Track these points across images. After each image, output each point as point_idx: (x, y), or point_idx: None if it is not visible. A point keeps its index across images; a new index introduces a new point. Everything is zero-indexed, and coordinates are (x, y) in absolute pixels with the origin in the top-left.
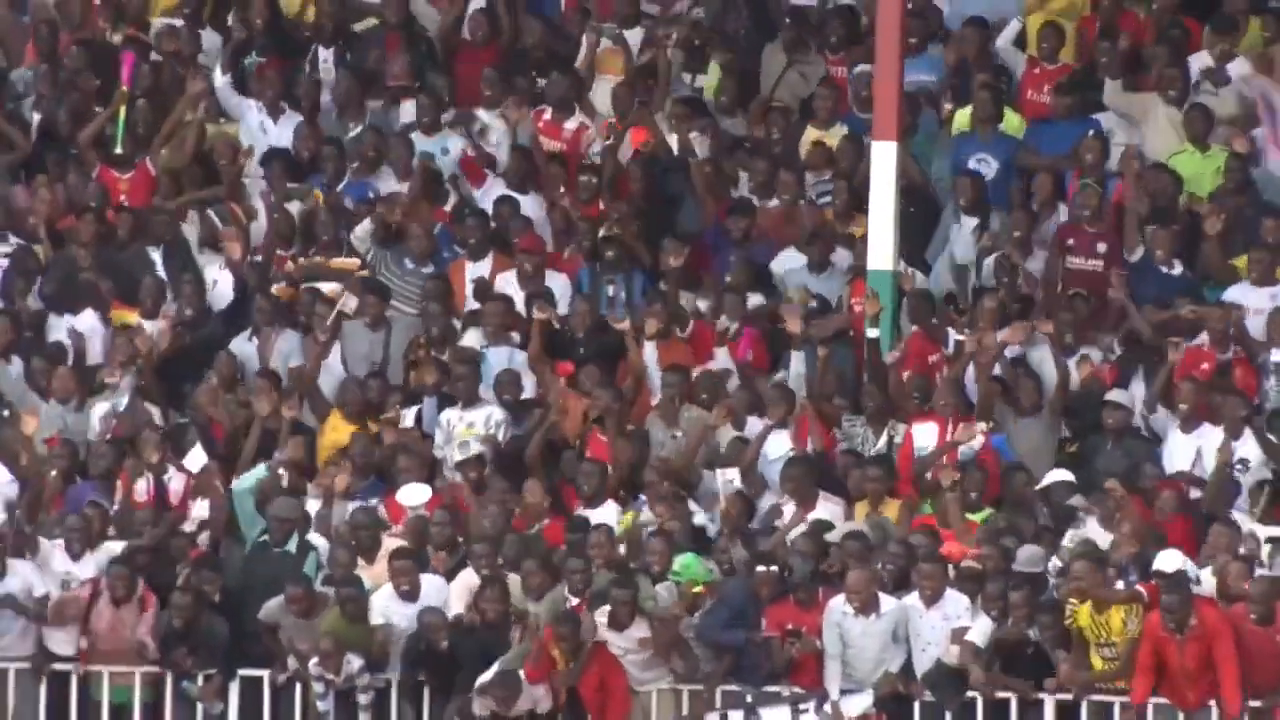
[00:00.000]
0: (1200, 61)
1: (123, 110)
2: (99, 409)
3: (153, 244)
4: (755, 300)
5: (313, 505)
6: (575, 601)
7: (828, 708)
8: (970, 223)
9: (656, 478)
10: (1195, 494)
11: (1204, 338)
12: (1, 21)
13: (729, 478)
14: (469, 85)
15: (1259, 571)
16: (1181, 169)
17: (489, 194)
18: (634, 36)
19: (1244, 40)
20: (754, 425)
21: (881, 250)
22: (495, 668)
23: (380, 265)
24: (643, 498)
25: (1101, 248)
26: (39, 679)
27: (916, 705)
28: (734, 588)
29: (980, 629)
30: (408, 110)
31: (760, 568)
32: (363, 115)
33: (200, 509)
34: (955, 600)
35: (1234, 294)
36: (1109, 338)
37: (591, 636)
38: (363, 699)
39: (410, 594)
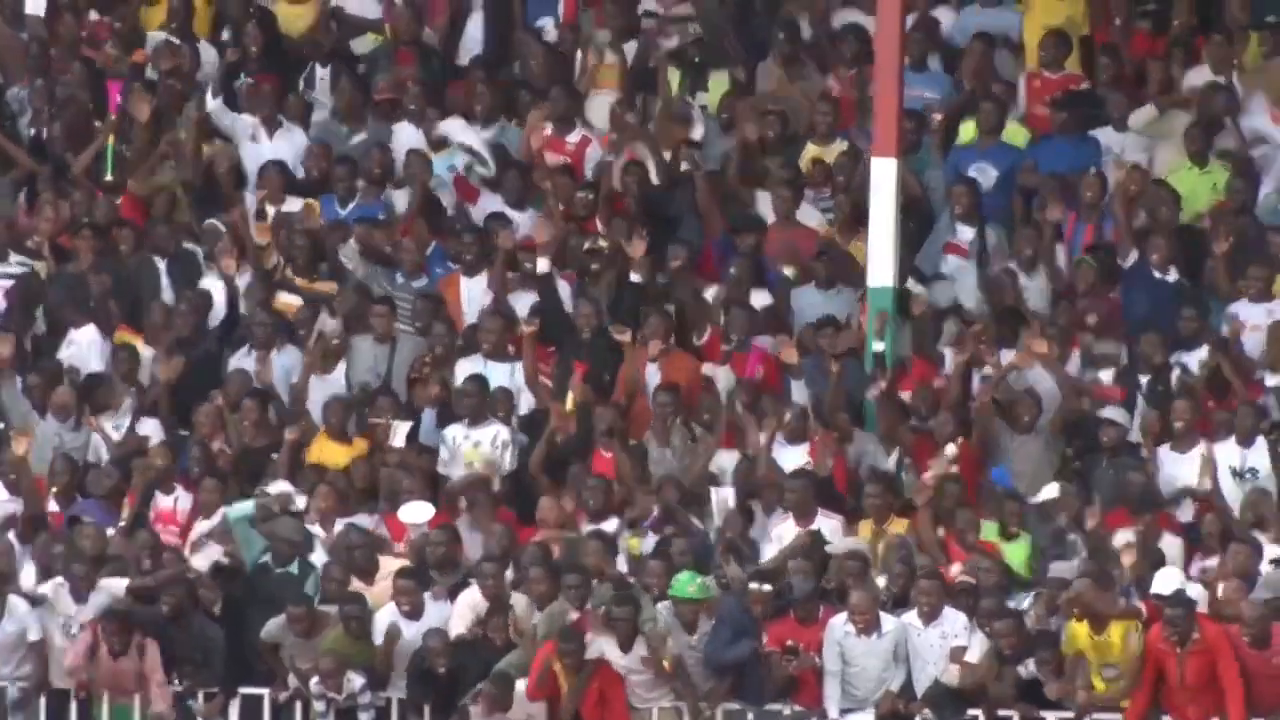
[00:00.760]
0: (1200, 76)
1: (111, 139)
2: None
3: (159, 257)
4: (761, 298)
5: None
6: (575, 616)
7: None
8: (967, 232)
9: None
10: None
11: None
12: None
13: (723, 496)
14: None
15: (1255, 592)
16: (1179, 185)
17: (482, 210)
18: (631, 49)
19: (1245, 55)
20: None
21: (881, 267)
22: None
23: (372, 281)
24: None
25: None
26: (38, 699)
27: None
28: (731, 605)
29: (977, 647)
30: (406, 130)
31: (754, 585)
32: (364, 126)
33: (203, 527)
34: (953, 618)
35: (1233, 310)
36: (1115, 352)
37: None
38: (364, 717)
39: (413, 613)
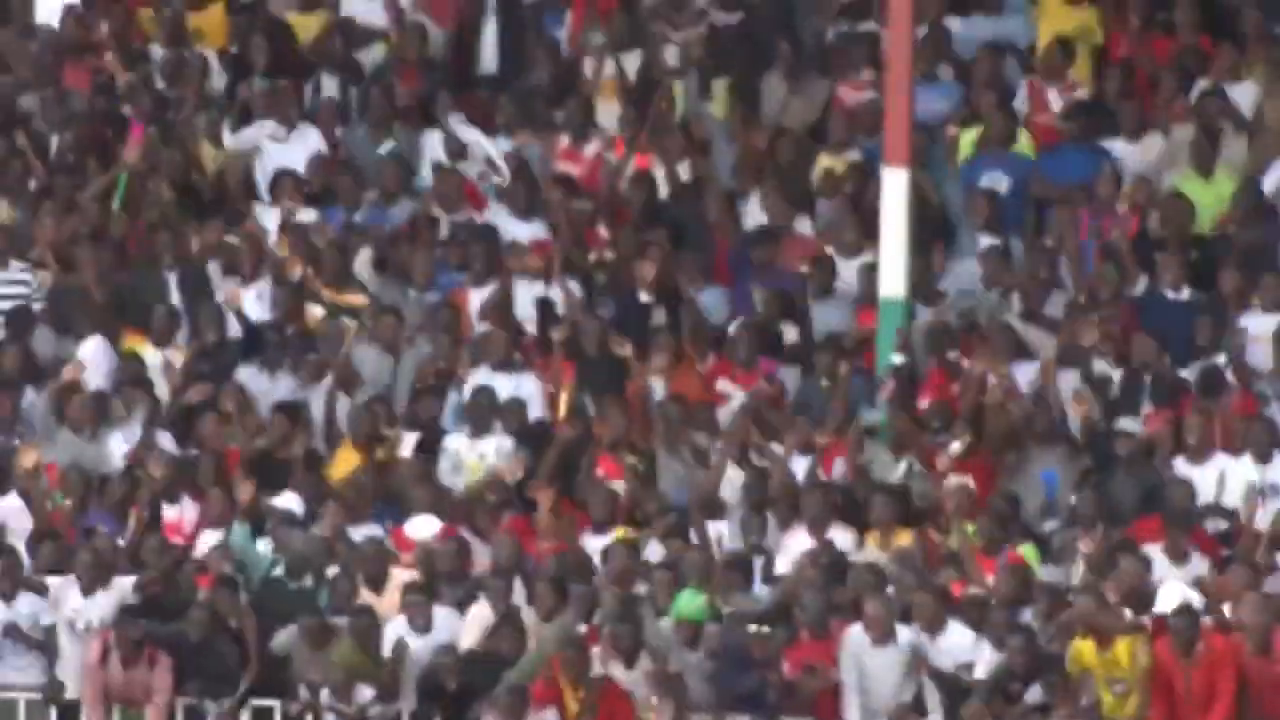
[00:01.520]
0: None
1: (124, 178)
2: (115, 440)
3: (168, 268)
4: (790, 335)
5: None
6: (583, 629)
7: None
8: (987, 242)
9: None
10: (1222, 525)
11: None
12: (11, 47)
13: (721, 530)
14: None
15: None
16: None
17: (488, 219)
18: (633, 59)
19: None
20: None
21: (893, 277)
22: (503, 684)
23: (384, 294)
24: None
25: None
26: (48, 709)
27: None
28: (731, 638)
29: (984, 662)
30: (432, 140)
31: (753, 628)
32: (391, 132)
33: (209, 539)
34: (959, 633)
35: (1244, 321)
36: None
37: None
38: None
39: (424, 627)
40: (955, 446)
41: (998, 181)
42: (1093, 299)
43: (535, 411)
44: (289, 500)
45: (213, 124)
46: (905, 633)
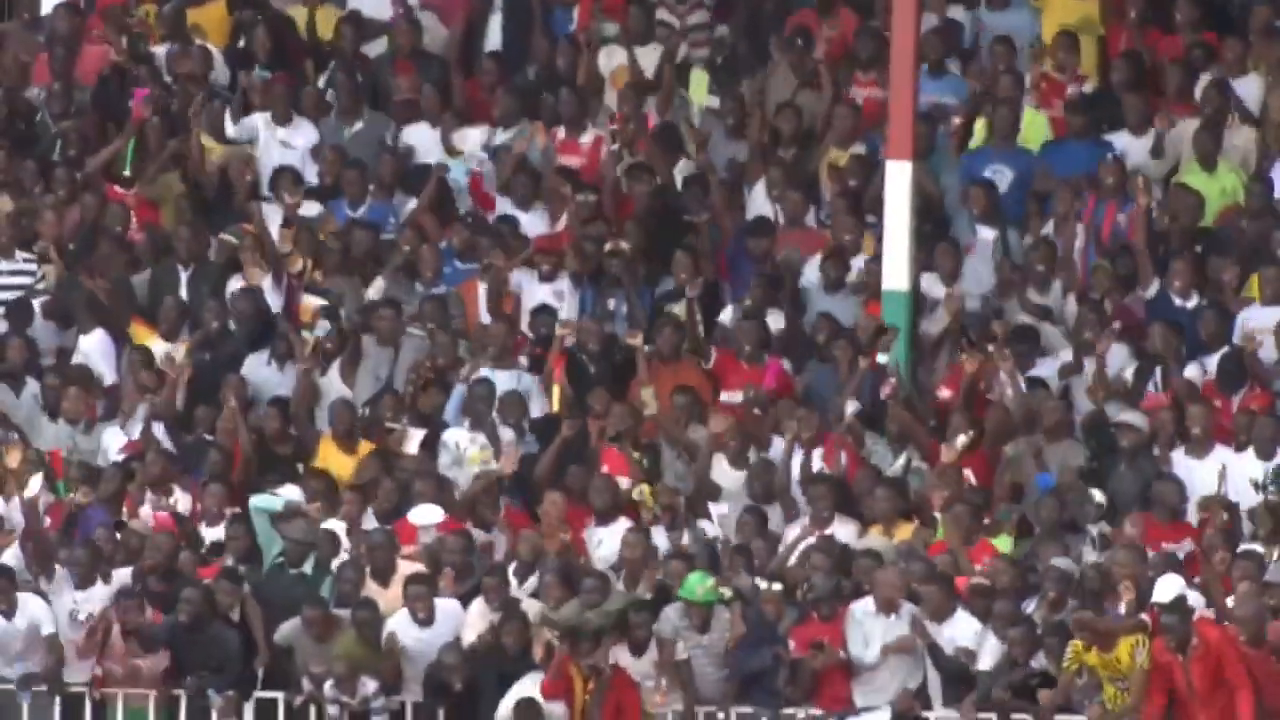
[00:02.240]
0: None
1: (132, 142)
2: (110, 433)
3: (181, 264)
4: (776, 321)
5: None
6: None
7: None
8: (987, 234)
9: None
10: (1224, 517)
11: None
12: (17, 40)
13: (721, 511)
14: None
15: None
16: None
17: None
18: (648, 54)
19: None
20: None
21: (897, 270)
22: (512, 698)
23: (392, 288)
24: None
25: None
26: (53, 701)
27: None
28: (750, 615)
29: (989, 651)
30: (418, 131)
31: (763, 585)
32: (361, 115)
33: (209, 535)
34: (964, 622)
35: (1246, 316)
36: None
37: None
38: None
39: (426, 620)
40: (960, 440)
41: (1001, 174)
42: (1087, 296)
43: (536, 407)
44: (291, 492)
45: (215, 118)
46: (909, 606)
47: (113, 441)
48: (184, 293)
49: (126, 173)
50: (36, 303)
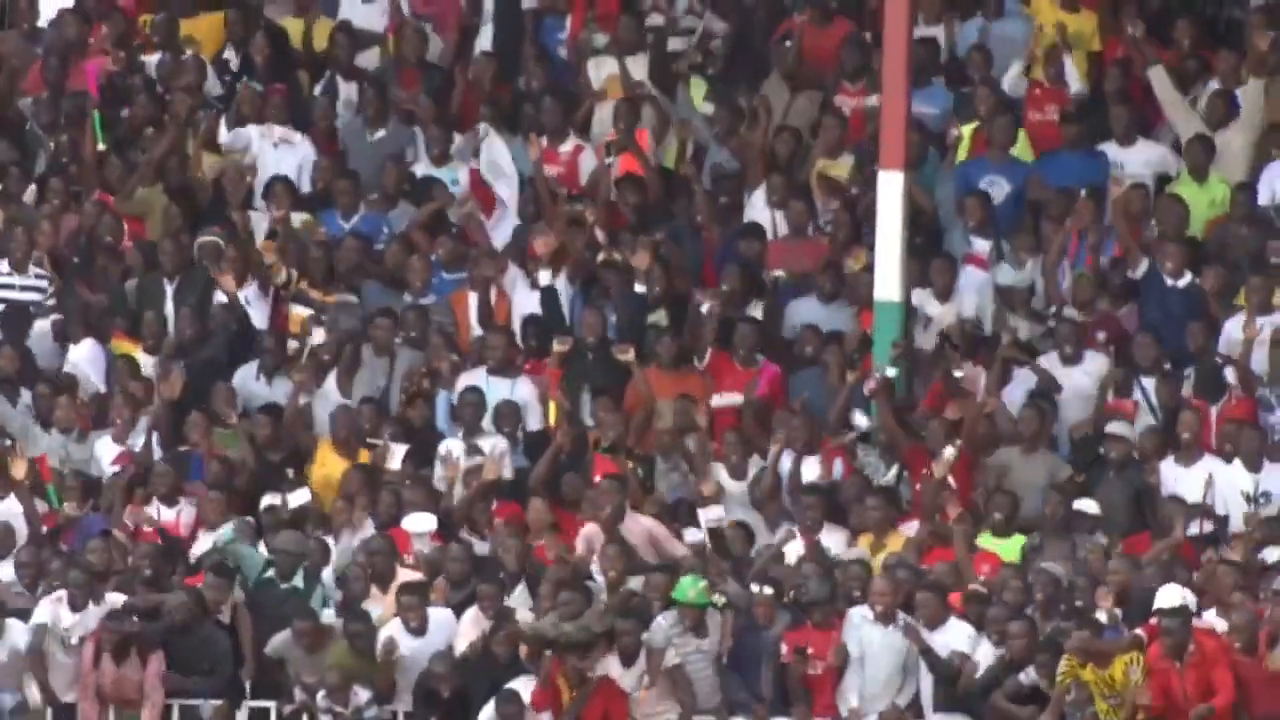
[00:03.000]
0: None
1: (96, 117)
2: (102, 443)
3: (167, 276)
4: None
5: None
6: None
7: None
8: (983, 245)
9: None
10: (1208, 527)
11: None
12: (13, 49)
13: (711, 517)
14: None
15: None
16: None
17: (498, 224)
18: (638, 63)
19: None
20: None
21: (889, 281)
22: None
23: (380, 299)
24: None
25: None
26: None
27: None
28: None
29: (984, 657)
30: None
31: (755, 588)
32: (385, 124)
33: (205, 543)
34: (957, 629)
35: (1232, 326)
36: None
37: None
38: None
39: (418, 629)
40: (949, 452)
41: (997, 186)
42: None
43: (532, 417)
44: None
45: (208, 129)
46: (905, 616)
47: (105, 452)
48: (169, 305)
49: (101, 146)
50: (47, 321)
